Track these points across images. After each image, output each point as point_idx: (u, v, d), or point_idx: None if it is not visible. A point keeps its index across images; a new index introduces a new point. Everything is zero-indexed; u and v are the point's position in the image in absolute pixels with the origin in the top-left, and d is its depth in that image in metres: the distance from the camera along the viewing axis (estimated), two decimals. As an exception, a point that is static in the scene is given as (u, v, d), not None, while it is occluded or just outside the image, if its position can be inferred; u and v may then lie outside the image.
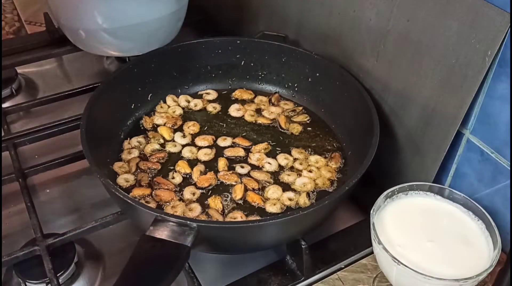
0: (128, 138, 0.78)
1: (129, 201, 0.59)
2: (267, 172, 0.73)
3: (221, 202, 0.68)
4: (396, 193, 0.59)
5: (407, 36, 0.64)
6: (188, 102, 0.86)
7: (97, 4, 0.77)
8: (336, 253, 0.68)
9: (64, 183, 0.80)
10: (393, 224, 0.56)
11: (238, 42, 0.85)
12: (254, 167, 0.74)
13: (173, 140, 0.79)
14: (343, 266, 0.66)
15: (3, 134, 0.83)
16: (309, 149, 0.77)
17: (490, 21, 0.53)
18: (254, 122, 0.83)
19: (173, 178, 0.72)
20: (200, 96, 0.87)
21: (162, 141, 0.78)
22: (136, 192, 0.69)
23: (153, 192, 0.69)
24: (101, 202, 0.75)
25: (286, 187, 0.71)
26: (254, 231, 0.59)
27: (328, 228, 0.71)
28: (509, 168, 0.57)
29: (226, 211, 0.68)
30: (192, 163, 0.75)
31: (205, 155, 0.76)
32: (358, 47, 0.74)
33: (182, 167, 0.73)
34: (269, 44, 0.85)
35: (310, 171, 0.73)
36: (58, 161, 0.77)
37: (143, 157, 0.75)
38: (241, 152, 0.77)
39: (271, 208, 0.68)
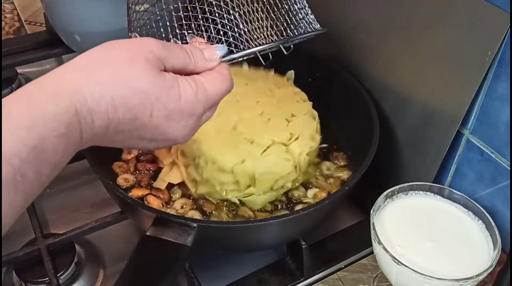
0: (128, 138, 0.78)
1: (129, 201, 0.59)
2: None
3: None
4: (396, 193, 0.59)
5: (407, 36, 0.64)
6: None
7: (92, 7, 0.77)
8: (336, 253, 0.68)
9: (64, 183, 0.79)
10: (393, 224, 0.56)
11: (238, 42, 0.85)
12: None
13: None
14: (343, 266, 0.66)
15: (3, 134, 0.83)
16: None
17: (490, 21, 0.53)
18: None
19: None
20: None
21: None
22: (136, 192, 0.69)
23: (146, 197, 0.69)
24: (101, 202, 0.75)
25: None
26: (254, 231, 0.59)
27: (328, 228, 0.71)
28: (509, 168, 0.57)
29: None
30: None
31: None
32: (358, 47, 0.74)
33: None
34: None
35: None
36: (58, 161, 0.77)
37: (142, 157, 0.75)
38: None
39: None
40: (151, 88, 0.41)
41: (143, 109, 0.41)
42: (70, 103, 0.37)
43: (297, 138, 0.69)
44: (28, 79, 1.01)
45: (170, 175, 0.69)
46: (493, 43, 0.53)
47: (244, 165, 0.65)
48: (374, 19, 0.69)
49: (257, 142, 0.67)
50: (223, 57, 0.48)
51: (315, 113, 0.76)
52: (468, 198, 0.58)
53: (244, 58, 0.51)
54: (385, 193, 0.58)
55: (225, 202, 0.67)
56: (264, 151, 0.66)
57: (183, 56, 0.45)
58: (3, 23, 1.17)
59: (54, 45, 0.93)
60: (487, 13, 0.53)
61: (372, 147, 0.64)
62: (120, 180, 0.71)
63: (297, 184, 0.69)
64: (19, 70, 1.00)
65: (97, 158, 0.64)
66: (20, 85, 0.98)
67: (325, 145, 0.75)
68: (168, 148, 0.71)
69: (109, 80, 0.39)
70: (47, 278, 0.62)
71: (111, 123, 0.40)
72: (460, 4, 0.56)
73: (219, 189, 0.65)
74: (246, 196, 0.66)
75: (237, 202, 0.66)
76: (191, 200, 0.68)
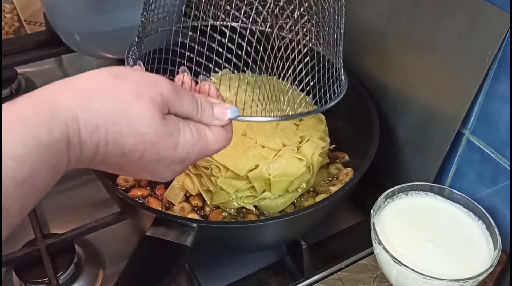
0: (128, 138, 0.78)
1: (129, 201, 0.59)
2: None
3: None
4: (396, 193, 0.59)
5: (407, 36, 0.64)
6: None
7: (92, 7, 0.77)
8: (336, 253, 0.68)
9: (64, 183, 0.79)
10: (393, 224, 0.56)
11: (238, 42, 0.85)
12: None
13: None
14: (343, 266, 0.66)
15: (3, 134, 0.82)
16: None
17: (490, 21, 0.53)
18: (254, 122, 0.83)
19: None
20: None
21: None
22: (135, 192, 0.69)
23: (147, 199, 0.69)
24: (101, 202, 0.75)
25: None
26: (254, 231, 0.59)
27: (328, 228, 0.71)
28: (509, 168, 0.57)
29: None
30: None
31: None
32: (358, 47, 0.74)
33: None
34: (269, 44, 0.85)
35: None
36: (58, 161, 0.77)
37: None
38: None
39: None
40: (149, 133, 0.39)
41: (135, 150, 0.39)
42: (64, 131, 0.35)
43: (307, 141, 0.69)
44: (28, 79, 1.01)
45: (185, 187, 0.68)
46: (493, 43, 0.53)
47: (259, 170, 0.64)
48: (374, 19, 0.69)
49: (268, 146, 0.67)
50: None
51: (322, 116, 0.76)
52: (469, 198, 0.57)
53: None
54: (385, 193, 0.58)
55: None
56: (276, 154, 0.66)
57: (192, 108, 0.43)
58: (3, 23, 1.17)
59: (54, 45, 0.93)
60: (487, 13, 0.53)
61: (372, 147, 0.64)
62: (120, 180, 0.70)
63: (310, 185, 0.69)
64: (19, 70, 1.00)
65: (97, 158, 0.64)
66: (19, 85, 0.98)
67: (333, 146, 0.75)
68: None
69: (108, 113, 0.37)
70: (47, 278, 0.62)
71: (98, 155, 0.38)
72: (460, 4, 0.56)
73: (235, 196, 0.65)
74: (261, 201, 0.66)
75: (253, 208, 0.66)
76: (191, 205, 0.68)
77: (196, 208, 0.68)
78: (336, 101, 0.55)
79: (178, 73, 0.47)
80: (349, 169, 0.72)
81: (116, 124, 0.37)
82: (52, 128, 0.34)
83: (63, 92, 0.37)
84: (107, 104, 0.37)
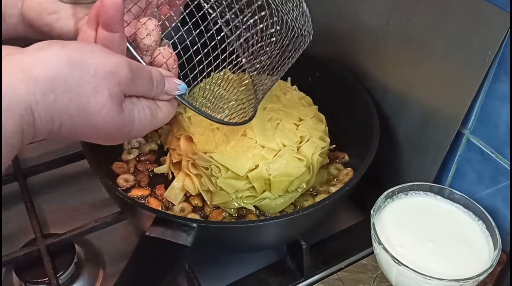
0: (128, 138, 0.78)
1: (129, 201, 0.59)
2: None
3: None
4: (396, 193, 0.59)
5: (407, 36, 0.64)
6: (188, 102, 0.85)
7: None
8: (336, 253, 0.68)
9: (64, 183, 0.79)
10: (393, 224, 0.56)
11: (238, 42, 0.85)
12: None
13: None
14: (343, 266, 0.66)
15: (3, 134, 0.82)
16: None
17: (490, 21, 0.53)
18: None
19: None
20: (200, 96, 0.87)
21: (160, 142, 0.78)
22: (135, 192, 0.69)
23: (147, 199, 0.69)
24: (101, 202, 0.75)
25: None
26: (254, 231, 0.59)
27: (328, 228, 0.71)
28: (509, 168, 0.57)
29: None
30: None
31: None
32: (358, 47, 0.74)
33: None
34: (269, 44, 0.85)
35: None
36: (58, 161, 0.77)
37: (142, 157, 0.75)
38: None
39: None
40: (105, 127, 0.40)
41: (88, 137, 0.41)
42: (18, 124, 0.35)
43: (307, 141, 0.69)
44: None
45: (185, 187, 0.68)
46: (493, 43, 0.53)
47: (259, 170, 0.65)
48: (374, 19, 0.69)
49: (268, 146, 0.67)
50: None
51: (322, 116, 0.76)
52: (469, 198, 0.57)
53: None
54: (385, 193, 0.58)
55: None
56: (276, 154, 0.66)
57: (148, 88, 0.44)
58: (3, 23, 1.17)
59: (54, 45, 0.93)
60: (487, 13, 0.53)
61: (372, 147, 0.64)
62: (120, 180, 0.70)
63: (310, 185, 0.69)
64: (19, 70, 1.00)
65: (96, 158, 0.64)
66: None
67: (333, 146, 0.75)
68: (178, 162, 0.70)
69: (63, 105, 0.37)
70: (47, 278, 0.62)
71: (50, 137, 0.39)
72: (460, 4, 0.56)
73: (235, 197, 0.65)
74: (261, 201, 0.66)
75: (253, 209, 0.66)
76: (191, 205, 0.68)
77: (196, 208, 0.68)
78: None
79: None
80: (349, 169, 0.72)
81: (71, 117, 0.38)
82: (6, 122, 0.34)
83: (16, 81, 0.35)
84: (63, 96, 0.37)
